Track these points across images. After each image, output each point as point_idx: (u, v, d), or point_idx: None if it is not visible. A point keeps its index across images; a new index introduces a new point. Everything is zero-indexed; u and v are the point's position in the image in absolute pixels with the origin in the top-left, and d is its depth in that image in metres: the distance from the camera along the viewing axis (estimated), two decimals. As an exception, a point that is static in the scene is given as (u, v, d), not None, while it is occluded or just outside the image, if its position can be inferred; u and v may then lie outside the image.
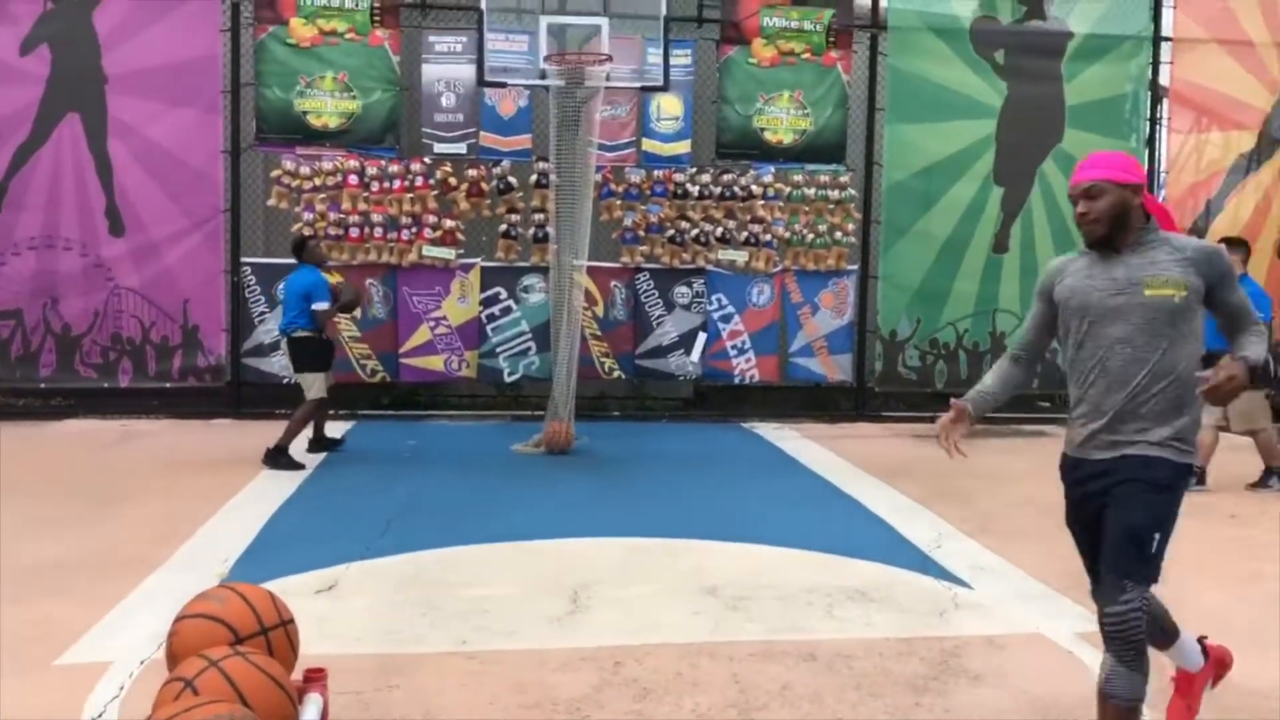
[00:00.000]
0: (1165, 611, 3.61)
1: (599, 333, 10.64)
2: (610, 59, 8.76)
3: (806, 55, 10.77)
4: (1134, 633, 3.21)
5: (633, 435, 10.03)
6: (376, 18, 10.24)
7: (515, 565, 5.70)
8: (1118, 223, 3.22)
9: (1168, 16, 11.18)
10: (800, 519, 6.83)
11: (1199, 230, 11.24)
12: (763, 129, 10.79)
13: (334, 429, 9.62)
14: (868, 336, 11.08)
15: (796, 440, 9.84)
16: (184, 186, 10.13)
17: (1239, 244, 8.37)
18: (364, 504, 7.01)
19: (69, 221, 10.04)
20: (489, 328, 10.57)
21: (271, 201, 10.26)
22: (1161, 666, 3.86)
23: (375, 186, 10.23)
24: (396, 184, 10.25)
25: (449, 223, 10.34)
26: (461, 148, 10.42)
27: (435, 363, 10.50)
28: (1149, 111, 11.30)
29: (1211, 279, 3.21)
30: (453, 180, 10.35)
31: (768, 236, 10.78)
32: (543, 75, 8.87)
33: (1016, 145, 11.01)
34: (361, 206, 10.23)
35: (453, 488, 7.62)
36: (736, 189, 10.73)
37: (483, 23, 9.11)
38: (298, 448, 8.28)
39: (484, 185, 10.41)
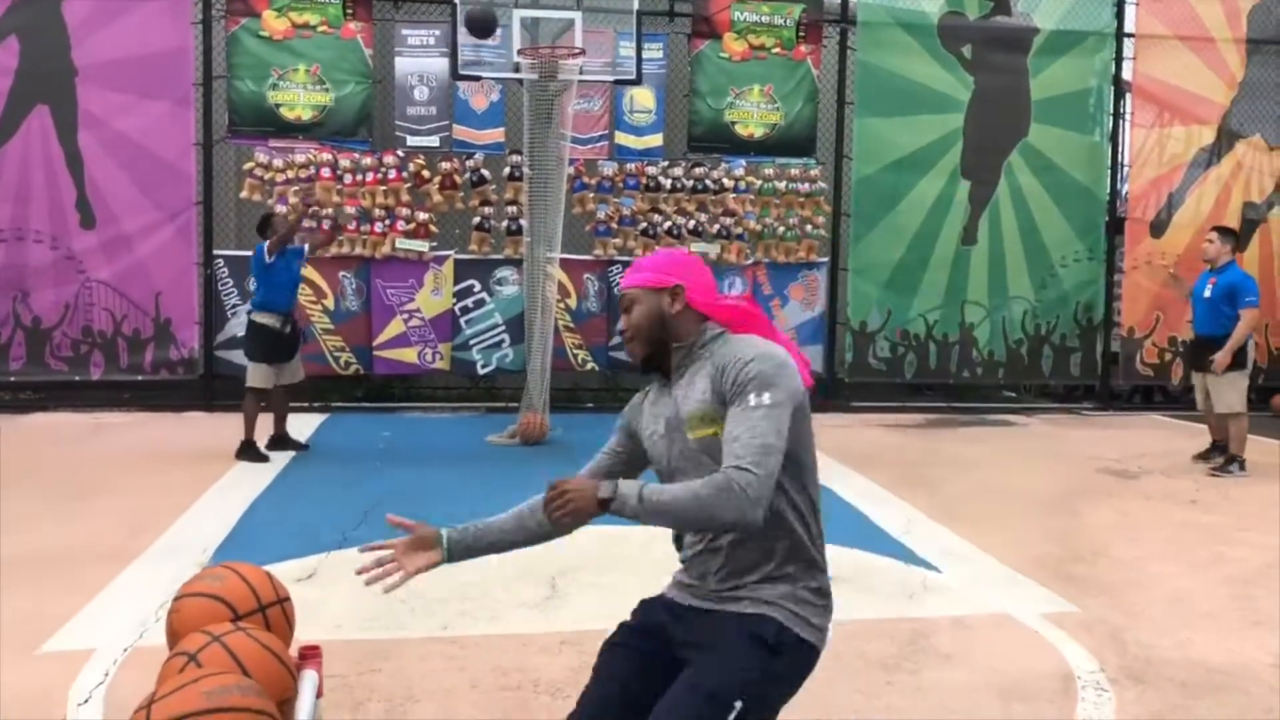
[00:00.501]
0: None
1: (572, 324, 10.71)
2: (583, 53, 8.82)
3: (777, 50, 10.89)
4: None
5: (606, 426, 9.92)
6: (349, 11, 10.24)
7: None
8: (655, 340, 2.43)
9: (1130, 13, 11.38)
10: (773, 507, 6.93)
11: (1161, 224, 11.47)
12: (734, 122, 10.89)
13: (306, 426, 9.63)
14: (838, 328, 11.22)
15: (768, 430, 9.96)
16: (156, 179, 10.10)
17: (1229, 233, 8.63)
18: (340, 495, 7.05)
19: (39, 214, 9.98)
20: (462, 320, 10.61)
21: (244, 194, 10.25)
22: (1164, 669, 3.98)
23: (348, 179, 10.25)
24: (369, 177, 10.27)
25: (422, 215, 10.37)
26: (434, 141, 10.46)
27: (409, 355, 10.53)
28: (1112, 106, 11.50)
29: (724, 395, 2.27)
30: (426, 173, 10.38)
31: (739, 229, 10.89)
32: (516, 69, 8.90)
33: (984, 139, 11.18)
34: (335, 199, 10.24)
35: (429, 479, 7.67)
36: (708, 182, 10.83)
37: (456, 16, 9.13)
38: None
39: (457, 178, 10.44)
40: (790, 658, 2.22)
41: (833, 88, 11.13)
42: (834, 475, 7.98)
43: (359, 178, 10.26)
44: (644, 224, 10.75)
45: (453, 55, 9.27)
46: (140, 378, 10.26)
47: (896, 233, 11.13)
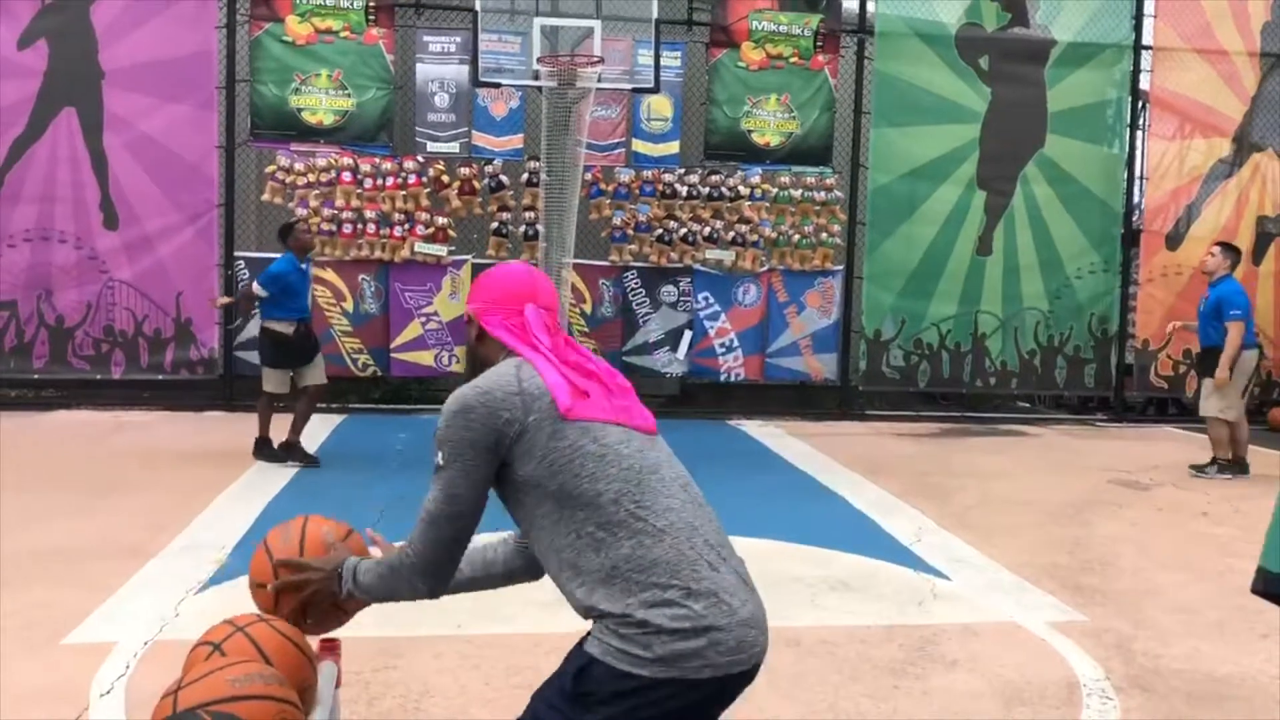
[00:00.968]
0: None
1: (586, 329, 10.79)
2: (602, 61, 8.90)
3: (794, 59, 10.95)
4: None
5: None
6: (371, 17, 10.36)
7: (507, 555, 5.83)
8: (471, 367, 2.31)
9: (1148, 26, 11.40)
10: (784, 513, 6.99)
11: (1177, 236, 11.48)
12: (750, 131, 10.96)
13: (324, 427, 9.71)
14: (852, 336, 11.27)
15: (781, 437, 10.01)
16: (178, 181, 10.23)
17: (1230, 249, 8.78)
18: (356, 495, 7.13)
19: (64, 214, 10.12)
20: (479, 324, 10.69)
21: (265, 197, 10.37)
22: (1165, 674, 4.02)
23: (368, 183, 10.36)
24: (389, 181, 10.38)
25: (441, 220, 10.48)
26: (454, 147, 10.56)
27: (426, 358, 10.63)
28: (1129, 118, 11.52)
29: None
30: (445, 178, 10.49)
31: (754, 236, 10.96)
32: (535, 76, 9.00)
33: (1000, 150, 11.22)
34: (355, 203, 10.35)
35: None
36: (724, 189, 10.90)
37: (477, 23, 9.23)
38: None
39: (476, 183, 10.55)
40: (606, 690, 1.93)
41: (850, 97, 11.19)
42: (845, 483, 8.03)
43: (379, 182, 10.37)
44: (660, 230, 10.83)
45: (473, 62, 9.37)
46: (160, 377, 10.38)
47: (911, 242, 11.17)
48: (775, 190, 11.00)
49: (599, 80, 9.02)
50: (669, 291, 10.95)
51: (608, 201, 10.76)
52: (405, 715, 3.86)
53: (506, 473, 2.09)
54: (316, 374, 8.19)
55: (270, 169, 10.33)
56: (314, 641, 2.39)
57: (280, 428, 8.15)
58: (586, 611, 2.00)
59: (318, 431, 9.39)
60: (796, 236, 11.03)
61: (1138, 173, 11.75)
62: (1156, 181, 11.55)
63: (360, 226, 10.37)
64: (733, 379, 11.14)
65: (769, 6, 10.91)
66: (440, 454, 2.07)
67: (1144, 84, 11.55)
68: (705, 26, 10.98)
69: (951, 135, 11.16)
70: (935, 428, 10.91)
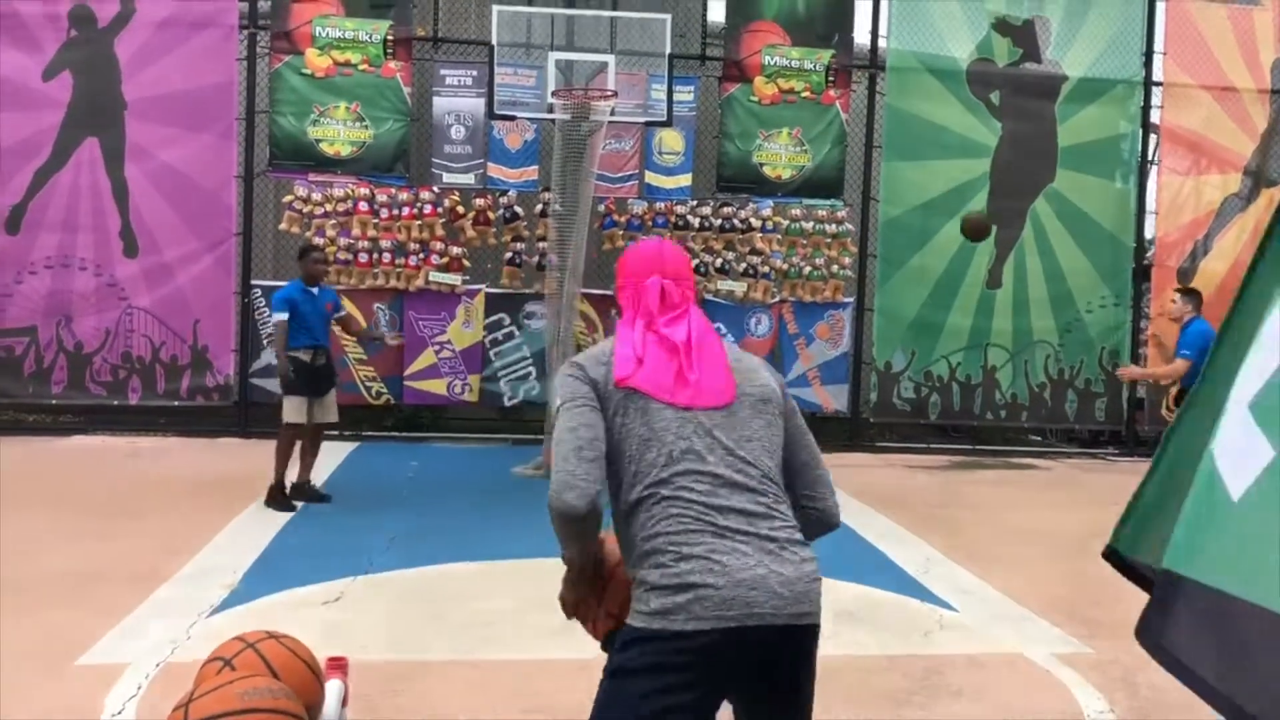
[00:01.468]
0: None
1: (600, 360, 10.85)
2: (615, 94, 9.04)
3: (806, 94, 11.07)
4: None
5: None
6: (390, 50, 10.53)
7: (516, 581, 5.88)
8: None
9: (1158, 62, 11.48)
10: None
11: (1188, 271, 11.50)
12: (762, 164, 11.06)
13: (336, 455, 9.77)
14: (863, 368, 11.31)
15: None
16: (197, 210, 10.38)
17: (1189, 293, 9.05)
18: (368, 522, 7.20)
19: (85, 242, 10.28)
20: (492, 352, 10.80)
21: (283, 226, 10.51)
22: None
23: (384, 213, 10.49)
24: (405, 211, 10.51)
25: (455, 250, 10.59)
26: (469, 178, 10.70)
27: (438, 386, 10.71)
28: (1140, 154, 11.58)
29: None
30: (460, 209, 10.62)
31: (766, 268, 11.03)
32: (550, 109, 9.14)
33: (1010, 184, 11.29)
34: (371, 232, 10.49)
35: (454, 507, 7.81)
36: (736, 221, 10.99)
37: (493, 57, 9.40)
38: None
39: (490, 214, 10.67)
40: (623, 643, 2.18)
41: (861, 131, 11.30)
42: (855, 514, 8.04)
43: (395, 212, 10.51)
44: (672, 262, 10.89)
45: (489, 95, 9.53)
46: (177, 403, 10.49)
47: (922, 274, 11.23)
48: (786, 223, 11.09)
49: (612, 113, 9.16)
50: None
51: (621, 232, 10.86)
52: (412, 738, 3.90)
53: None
54: (328, 411, 7.97)
55: (288, 198, 10.48)
56: (322, 660, 2.44)
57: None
58: (630, 573, 2.28)
59: (329, 459, 9.45)
60: (807, 268, 11.11)
61: (1149, 207, 11.78)
62: (1168, 216, 11.59)
63: (376, 255, 10.49)
64: (743, 410, 11.15)
65: (781, 42, 11.04)
66: (558, 399, 2.33)
67: (1155, 120, 11.63)
68: (718, 61, 11.12)
69: (962, 169, 11.24)
70: (946, 460, 10.92)
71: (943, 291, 11.26)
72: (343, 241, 10.45)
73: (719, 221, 10.98)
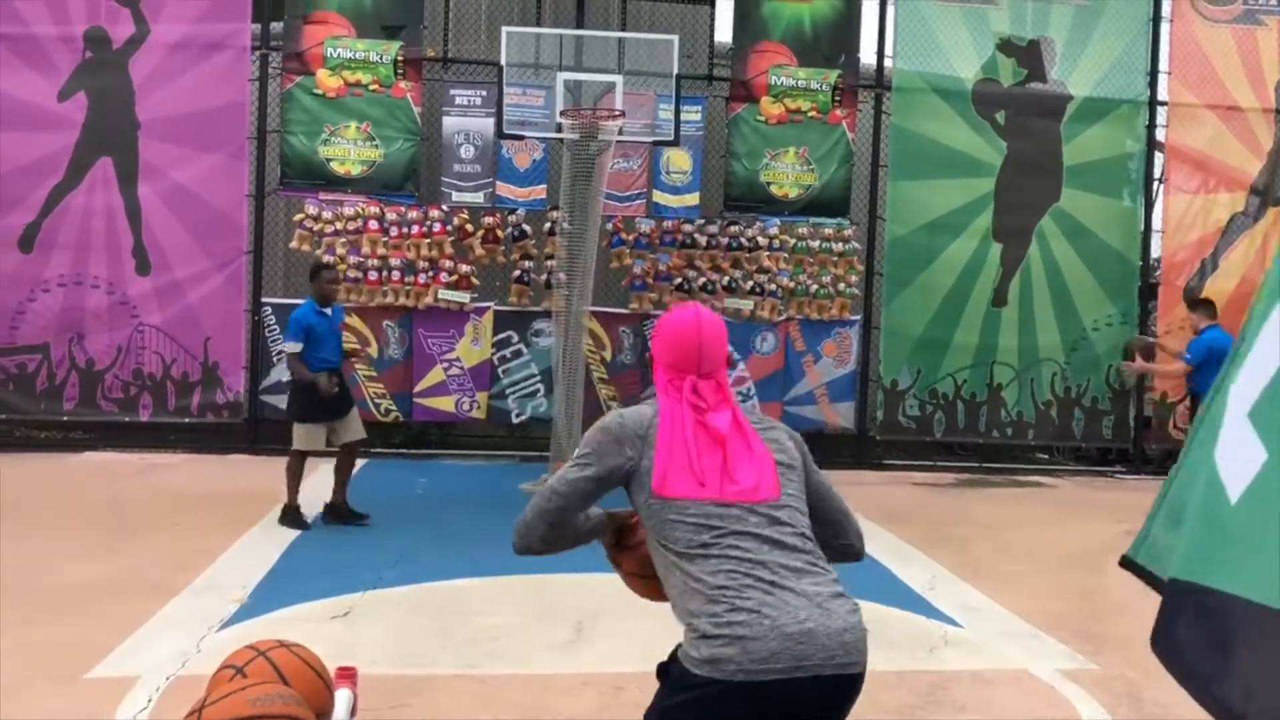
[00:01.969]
0: None
1: (606, 376, 10.92)
2: (623, 114, 9.12)
3: (813, 113, 11.14)
4: None
5: (638, 478, 10.23)
6: (400, 71, 10.64)
7: (521, 596, 5.92)
8: (644, 380, 2.89)
9: (1163, 82, 11.54)
10: (799, 560, 7.02)
11: (1194, 290, 11.51)
12: (769, 183, 11.13)
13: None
14: (869, 385, 11.33)
15: (798, 486, 10.05)
16: (209, 228, 10.48)
17: (1197, 304, 9.31)
18: (376, 538, 7.25)
19: (97, 260, 10.37)
20: (500, 370, 10.86)
21: (294, 244, 10.60)
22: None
23: (394, 232, 10.58)
24: (415, 229, 10.59)
25: (464, 268, 10.67)
26: (479, 197, 10.78)
27: (447, 403, 10.77)
28: (1145, 173, 11.62)
29: None
30: (469, 227, 10.70)
31: (773, 286, 11.08)
32: (558, 129, 9.23)
33: (1016, 203, 11.33)
34: (380, 251, 10.57)
35: (462, 523, 7.85)
36: (743, 240, 11.05)
37: (502, 78, 9.50)
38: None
39: (499, 232, 10.75)
40: (675, 685, 2.30)
41: (867, 151, 11.36)
42: (862, 532, 8.06)
43: (404, 230, 10.59)
44: (679, 279, 10.97)
45: (498, 115, 9.62)
46: (187, 420, 10.56)
47: (928, 293, 11.27)
48: (793, 241, 11.14)
49: (620, 133, 9.24)
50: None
51: (628, 251, 10.93)
52: (419, 751, 3.93)
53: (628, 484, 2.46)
54: (354, 429, 7.75)
55: (299, 217, 10.57)
56: (331, 668, 2.49)
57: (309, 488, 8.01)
58: (678, 616, 2.37)
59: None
60: (814, 286, 11.16)
61: (1155, 226, 11.81)
62: (1175, 234, 11.62)
63: (385, 273, 10.57)
64: (750, 427, 11.18)
65: (788, 62, 11.13)
66: (583, 444, 2.48)
67: (1160, 139, 11.67)
68: (725, 81, 11.21)
69: (968, 188, 11.29)
70: (952, 478, 10.93)
71: (949, 309, 11.29)
72: (352, 259, 10.53)
73: (726, 240, 11.04)
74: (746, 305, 11.04)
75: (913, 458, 11.61)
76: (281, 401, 10.46)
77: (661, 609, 2.49)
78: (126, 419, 10.47)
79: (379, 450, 10.81)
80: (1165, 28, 11.50)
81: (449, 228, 10.67)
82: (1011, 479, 10.99)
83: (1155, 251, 11.93)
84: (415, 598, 5.84)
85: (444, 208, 10.68)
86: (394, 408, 10.74)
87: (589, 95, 9.33)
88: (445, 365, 10.74)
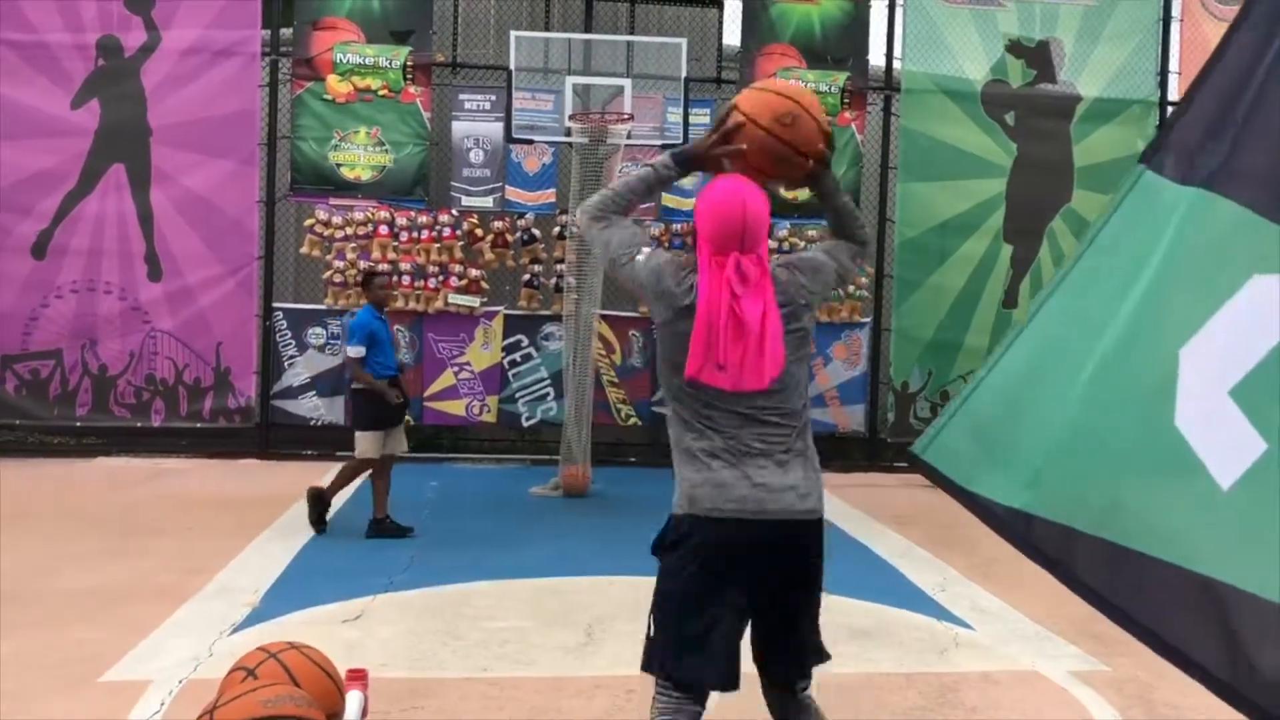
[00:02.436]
0: None
1: (616, 379, 10.93)
2: (632, 118, 9.15)
3: (822, 116, 11.12)
4: None
5: (648, 480, 10.21)
6: (409, 76, 10.68)
7: (533, 600, 5.93)
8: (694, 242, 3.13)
9: (1173, 82, 11.50)
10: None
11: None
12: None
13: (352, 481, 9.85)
14: (880, 388, 11.32)
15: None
16: (220, 234, 10.53)
17: None
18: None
19: (110, 266, 10.43)
20: (510, 374, 10.88)
21: (304, 250, 10.64)
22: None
23: (404, 236, 10.61)
24: (425, 234, 10.63)
25: (474, 272, 10.70)
26: (488, 201, 10.81)
27: (457, 407, 10.79)
28: (1156, 173, 11.57)
29: None
30: (479, 231, 10.73)
31: (783, 289, 11.06)
32: (567, 133, 9.25)
33: (1026, 204, 11.31)
34: (390, 255, 10.60)
35: (473, 527, 7.86)
36: (753, 243, 11.03)
37: (511, 82, 9.53)
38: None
39: (508, 237, 10.78)
40: (665, 536, 2.83)
41: (876, 153, 11.36)
42: (872, 533, 8.06)
43: (414, 235, 10.62)
44: (689, 283, 10.97)
45: (507, 119, 9.65)
46: (199, 425, 10.60)
47: (939, 295, 11.25)
48: (803, 243, 11.13)
49: (629, 137, 9.26)
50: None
51: (637, 254, 10.92)
52: (430, 754, 3.94)
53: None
54: (400, 442, 7.68)
55: (309, 222, 10.61)
56: (342, 671, 2.50)
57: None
58: (674, 465, 2.86)
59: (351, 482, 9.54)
60: (824, 289, 11.13)
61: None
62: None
63: (396, 278, 10.59)
64: (761, 430, 11.18)
65: (797, 65, 11.13)
66: (645, 252, 2.82)
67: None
68: (734, 84, 11.19)
69: (978, 190, 11.27)
70: (964, 480, 10.88)
71: (960, 311, 11.28)
72: (363, 264, 10.56)
73: (735, 243, 11.02)
74: (756, 308, 11.02)
75: (924, 460, 11.56)
76: (293, 406, 10.59)
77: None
78: (139, 424, 10.52)
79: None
80: (1175, 28, 11.46)
81: (459, 232, 10.70)
82: (1023, 481, 10.94)
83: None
84: (426, 601, 5.85)
85: (454, 212, 10.71)
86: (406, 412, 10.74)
87: (598, 99, 9.35)
88: (456, 369, 10.76)
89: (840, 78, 11.16)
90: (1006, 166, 11.32)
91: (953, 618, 5.81)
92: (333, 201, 10.60)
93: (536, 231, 10.82)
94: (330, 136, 10.60)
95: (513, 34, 9.66)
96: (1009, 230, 11.31)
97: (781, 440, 2.79)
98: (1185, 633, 2.00)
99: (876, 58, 11.45)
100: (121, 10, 10.38)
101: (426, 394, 10.75)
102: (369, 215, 10.58)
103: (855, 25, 11.27)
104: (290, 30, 10.76)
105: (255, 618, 5.48)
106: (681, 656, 2.76)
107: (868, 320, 11.31)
